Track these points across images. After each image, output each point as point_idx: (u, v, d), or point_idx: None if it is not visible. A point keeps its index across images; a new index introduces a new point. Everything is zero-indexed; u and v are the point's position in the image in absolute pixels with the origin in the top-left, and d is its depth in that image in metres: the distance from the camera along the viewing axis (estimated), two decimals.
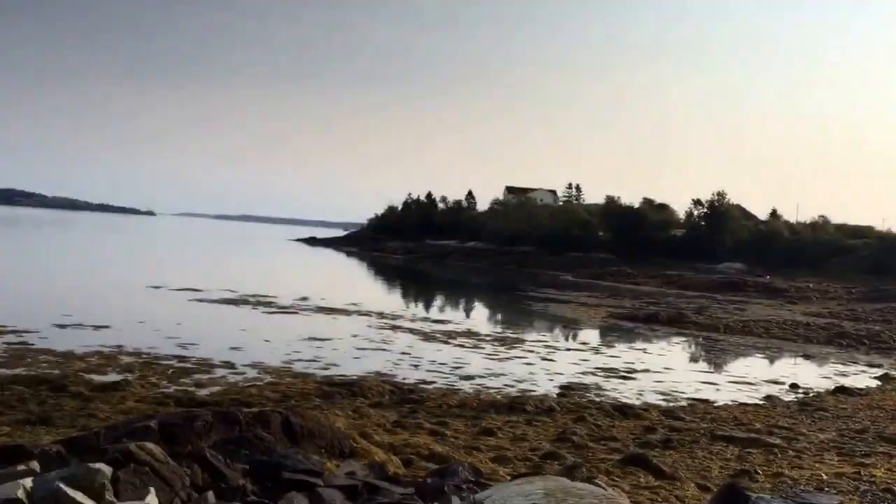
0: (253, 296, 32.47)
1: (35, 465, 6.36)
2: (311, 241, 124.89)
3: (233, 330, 22.78)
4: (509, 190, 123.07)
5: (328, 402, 13.87)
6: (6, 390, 12.83)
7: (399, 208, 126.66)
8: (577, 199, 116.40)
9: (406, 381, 16.89)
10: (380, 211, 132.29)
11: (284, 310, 29.17)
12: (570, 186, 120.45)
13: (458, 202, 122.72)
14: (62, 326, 20.82)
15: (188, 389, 14.36)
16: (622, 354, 23.77)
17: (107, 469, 5.80)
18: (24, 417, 11.10)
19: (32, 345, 17.87)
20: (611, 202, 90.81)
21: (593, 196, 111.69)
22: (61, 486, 5.28)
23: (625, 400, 16.26)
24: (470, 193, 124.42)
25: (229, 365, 17.15)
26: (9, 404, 11.88)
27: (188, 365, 16.82)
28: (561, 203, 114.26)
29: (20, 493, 5.11)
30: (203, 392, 14.22)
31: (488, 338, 25.44)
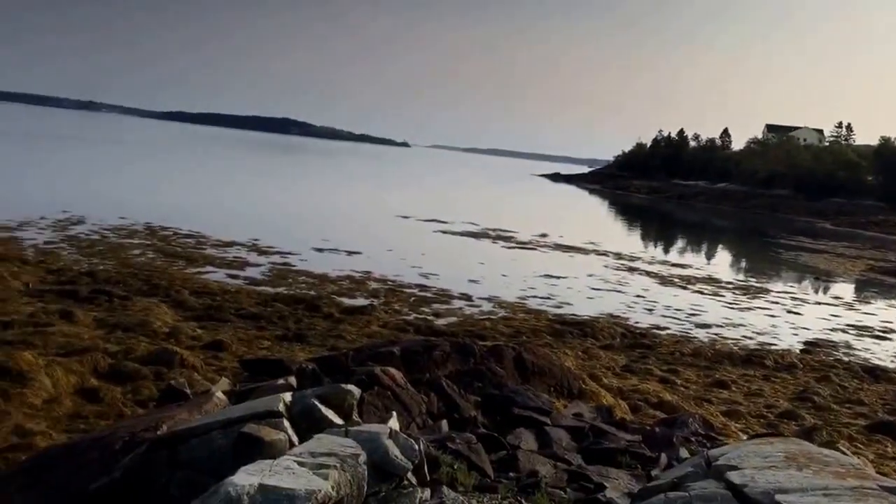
0: (494, 229, 33.20)
1: (292, 380, 6.93)
2: (555, 177, 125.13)
3: (472, 262, 23.42)
4: (769, 128, 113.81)
5: (559, 340, 13.90)
6: (269, 307, 14.21)
7: (647, 146, 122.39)
8: (846, 140, 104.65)
9: (638, 325, 16.46)
10: (627, 148, 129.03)
11: (523, 245, 29.52)
12: (839, 125, 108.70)
13: (710, 140, 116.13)
14: (320, 250, 22.65)
15: (427, 318, 15.03)
16: (879, 312, 21.54)
17: (356, 390, 6.15)
18: (282, 333, 12.23)
19: (294, 266, 19.62)
20: (885, 144, 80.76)
21: (866, 137, 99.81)
22: (316, 403, 5.66)
23: (877, 361, 14.84)
24: (725, 132, 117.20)
25: (466, 297, 17.68)
26: (270, 320, 13.16)
27: (428, 294, 17.58)
28: (827, 143, 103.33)
29: (280, 407, 5.54)
30: (440, 322, 14.81)
31: (730, 285, 24.10)
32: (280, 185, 53.02)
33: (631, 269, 25.72)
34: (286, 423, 5.31)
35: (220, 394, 6.28)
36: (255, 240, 23.01)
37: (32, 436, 6.39)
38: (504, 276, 21.44)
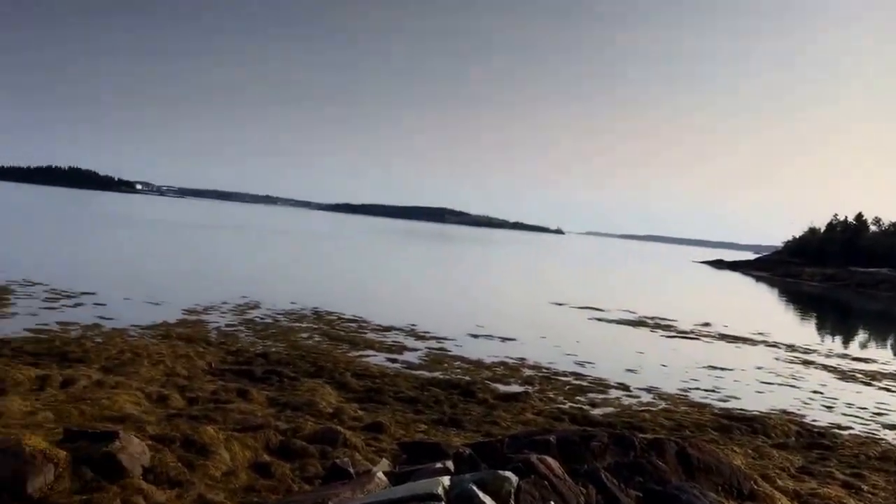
0: (652, 318, 32.33)
1: (449, 464, 7.05)
2: (718, 264, 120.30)
3: (629, 351, 22.85)
4: None
5: (725, 436, 13.15)
6: (425, 391, 14.57)
7: (821, 230, 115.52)
8: None
9: (816, 424, 15.29)
10: (797, 234, 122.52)
11: (684, 334, 28.46)
12: None
13: (894, 224, 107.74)
14: (475, 336, 22.97)
15: (583, 407, 14.74)
16: None
17: (513, 477, 6.17)
18: (438, 417, 12.45)
19: (449, 351, 20.02)
20: None
21: None
22: (474, 488, 5.75)
23: None
24: None
25: (624, 387, 17.23)
26: (427, 404, 13.47)
27: (584, 383, 17.29)
28: None
29: (439, 490, 5.67)
30: (597, 412, 14.49)
31: None
32: (436, 272, 54.61)
33: (806, 363, 24.08)
34: None
35: (380, 474, 6.49)
36: (413, 325, 23.75)
37: None
38: (664, 366, 20.73)
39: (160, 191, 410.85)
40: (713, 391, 17.89)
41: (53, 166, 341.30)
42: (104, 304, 21.59)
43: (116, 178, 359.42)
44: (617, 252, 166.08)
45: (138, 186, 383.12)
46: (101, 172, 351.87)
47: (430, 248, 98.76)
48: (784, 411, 16.18)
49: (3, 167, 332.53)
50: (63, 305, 20.90)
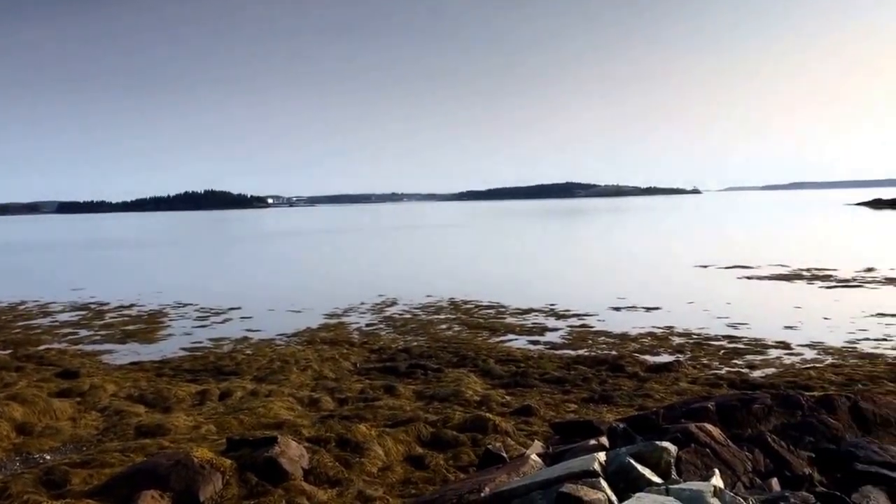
0: (807, 269, 30.70)
1: (604, 440, 7.01)
2: (875, 204, 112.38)
3: (786, 307, 21.79)
4: None
5: None
6: (572, 370, 14.54)
7: None
8: None
9: None
10: None
11: (845, 283, 26.80)
12: None
13: None
14: (617, 309, 22.62)
15: (741, 371, 14.26)
16: None
17: (672, 448, 6.06)
18: (588, 395, 12.39)
19: (592, 327, 19.83)
20: None
21: None
22: (631, 461, 5.70)
23: None
24: None
25: (784, 345, 16.49)
26: (574, 383, 13.43)
27: (739, 345, 16.68)
28: None
29: (596, 466, 5.66)
30: (756, 374, 13.96)
31: None
32: (570, 248, 54.00)
33: None
34: (603, 483, 5.39)
35: (534, 456, 6.54)
36: (552, 304, 23.71)
37: (373, 501, 7.11)
38: (826, 318, 19.64)
39: (290, 202, 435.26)
40: (885, 339, 16.81)
41: (191, 192, 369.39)
42: (250, 317, 22.97)
43: (249, 196, 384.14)
44: (760, 205, 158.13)
45: (269, 200, 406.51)
46: (234, 192, 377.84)
47: (560, 224, 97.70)
48: None
49: (147, 198, 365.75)
50: (213, 322, 22.41)
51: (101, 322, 23.00)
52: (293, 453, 7.65)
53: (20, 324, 22.98)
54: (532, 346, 17.67)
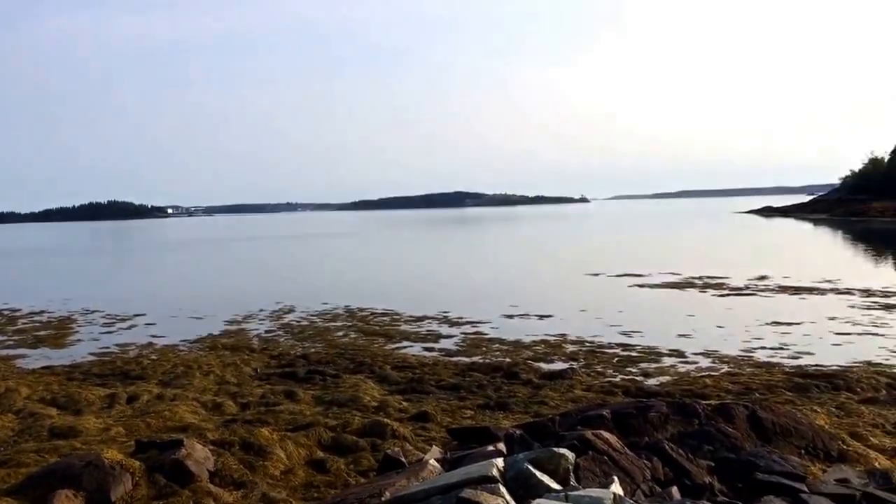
0: (699, 278, 31.90)
1: (501, 446, 6.98)
2: (765, 211, 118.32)
3: (679, 315, 22.54)
4: None
5: (802, 395, 12.72)
6: (467, 377, 14.69)
7: (885, 160, 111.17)
8: None
9: None
10: (856, 167, 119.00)
11: (738, 291, 27.95)
12: None
13: None
14: (510, 316, 22.98)
15: (636, 379, 14.63)
16: None
17: (570, 454, 6.07)
18: (483, 402, 12.50)
19: (486, 334, 20.10)
20: None
21: None
22: (530, 467, 5.70)
23: None
24: None
25: (678, 353, 17.02)
26: (470, 389, 13.56)
27: (633, 353, 17.14)
28: None
29: (494, 472, 5.64)
30: (651, 382, 14.35)
31: None
32: (461, 257, 54.93)
33: (887, 307, 22.98)
34: (502, 489, 5.38)
35: (433, 462, 6.54)
36: (445, 312, 24.00)
37: (277, 503, 7.39)
38: (720, 327, 20.38)
39: (189, 212, 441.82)
40: (781, 349, 17.45)
41: (95, 203, 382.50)
42: (154, 324, 23.73)
43: (150, 206, 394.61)
44: (649, 213, 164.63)
45: (169, 210, 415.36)
46: (136, 202, 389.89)
47: (450, 233, 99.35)
48: (868, 363, 15.55)
49: (53, 209, 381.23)
50: (119, 328, 23.28)
51: (14, 328, 23.91)
52: (199, 455, 7.93)
53: None
54: (427, 353, 17.91)
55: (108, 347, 19.93)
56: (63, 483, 7.10)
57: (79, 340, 21.39)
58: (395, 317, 23.68)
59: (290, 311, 25.77)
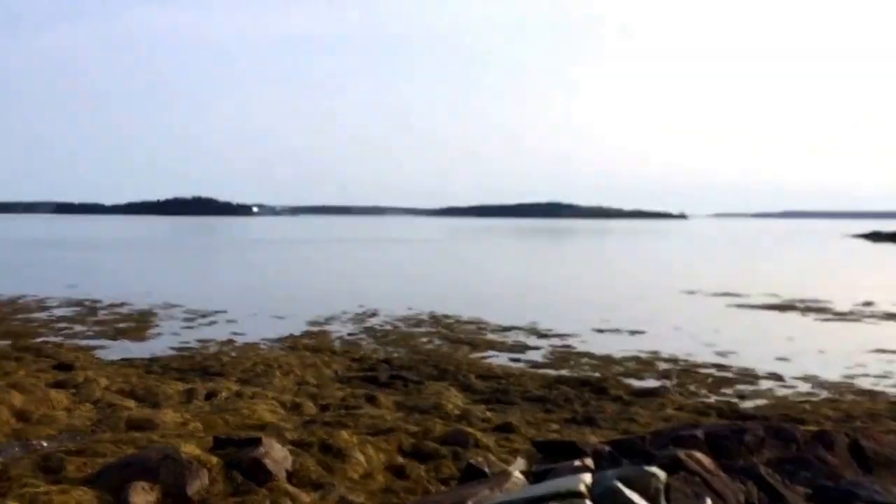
0: (801, 301, 30.87)
1: (589, 462, 6.93)
2: (873, 237, 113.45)
3: (778, 338, 21.86)
4: None
5: None
6: (554, 389, 14.59)
7: None
8: None
9: None
10: None
11: (842, 316, 26.96)
12: None
13: None
14: (600, 331, 22.75)
15: (730, 401, 14.27)
16: None
17: (661, 474, 5.99)
18: (570, 416, 12.43)
19: (574, 348, 19.95)
20: None
21: None
22: (618, 485, 5.63)
23: None
24: None
25: (776, 376, 16.53)
26: (556, 403, 13.48)
27: (729, 374, 16.73)
28: None
29: (582, 487, 5.59)
30: (747, 404, 13.98)
31: None
32: (553, 268, 54.50)
33: None
34: None
35: (517, 473, 6.50)
36: (534, 323, 23.94)
37: None
38: (822, 352, 19.68)
39: (275, 211, 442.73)
40: (885, 377, 16.80)
41: (180, 198, 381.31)
42: (235, 321, 24.07)
43: (235, 203, 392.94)
44: (751, 233, 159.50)
45: (255, 209, 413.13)
46: (221, 199, 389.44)
47: (543, 244, 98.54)
48: None
49: (139, 202, 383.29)
50: (200, 324, 23.63)
51: (95, 319, 24.50)
52: (277, 455, 7.87)
53: (19, 317, 24.47)
54: (513, 364, 17.85)
55: (188, 342, 20.19)
56: (140, 475, 7.10)
57: (159, 334, 21.79)
58: (481, 325, 23.69)
59: (374, 314, 25.92)
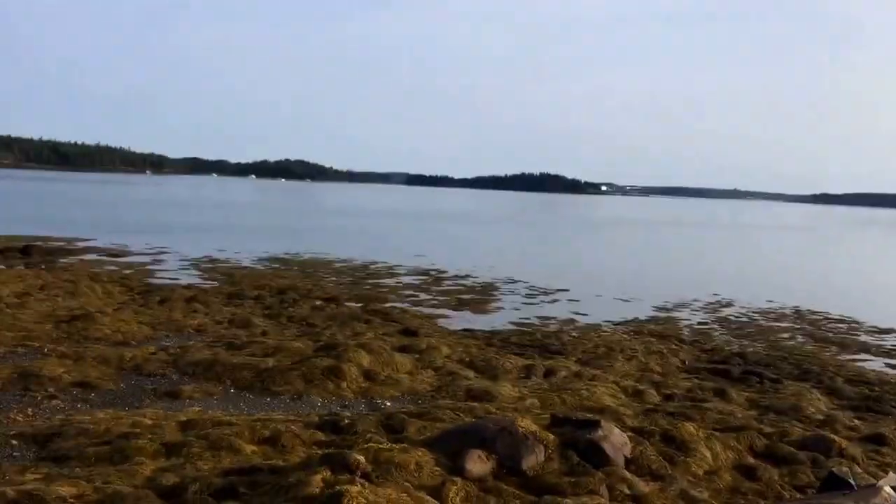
0: None
1: None
2: None
3: None
4: None
5: None
6: None
7: None
8: None
9: None
10: None
11: None
12: None
13: None
14: None
15: None
16: None
17: None
18: None
19: None
20: None
21: None
22: None
23: None
24: None
25: None
26: None
27: None
28: None
29: None
30: None
31: None
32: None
33: None
34: None
35: (888, 489, 6.14)
36: None
37: (697, 503, 7.20)
38: None
39: (624, 191, 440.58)
40: None
41: (527, 174, 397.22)
42: (578, 301, 23.98)
43: (583, 181, 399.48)
44: None
45: (603, 188, 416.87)
46: (569, 176, 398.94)
47: None
48: None
49: (485, 177, 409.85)
50: (541, 301, 23.86)
51: (439, 288, 25.38)
52: (616, 440, 7.87)
53: (370, 281, 26.21)
54: (890, 370, 16.06)
55: (528, 319, 20.26)
56: (477, 444, 7.34)
57: (500, 308, 22.05)
58: (853, 325, 21.73)
59: (729, 304, 24.78)
